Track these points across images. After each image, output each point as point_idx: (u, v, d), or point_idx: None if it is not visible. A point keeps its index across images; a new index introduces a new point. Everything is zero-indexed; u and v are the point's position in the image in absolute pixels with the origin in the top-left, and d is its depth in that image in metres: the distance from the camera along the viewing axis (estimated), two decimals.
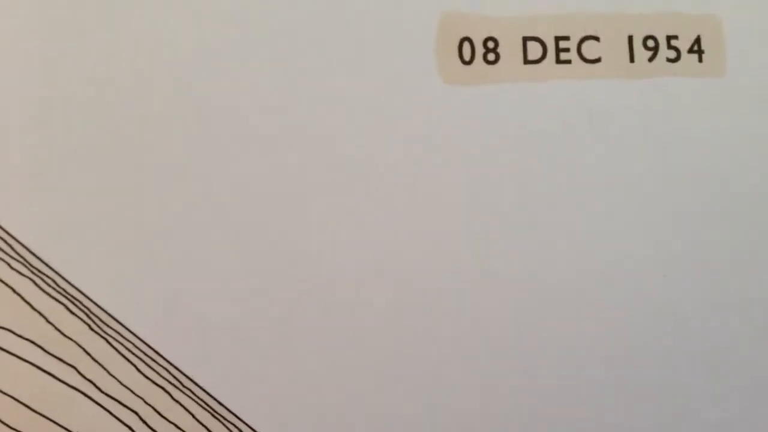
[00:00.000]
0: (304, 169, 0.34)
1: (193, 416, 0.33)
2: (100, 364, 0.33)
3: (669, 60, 0.36)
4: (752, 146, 0.35)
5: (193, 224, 0.34)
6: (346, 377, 0.33)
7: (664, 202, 0.35)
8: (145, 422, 0.33)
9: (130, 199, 0.34)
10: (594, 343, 0.34)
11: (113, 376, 0.33)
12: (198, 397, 0.33)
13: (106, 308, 0.33)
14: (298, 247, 0.34)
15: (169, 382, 0.33)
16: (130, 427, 0.33)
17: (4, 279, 0.33)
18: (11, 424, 0.32)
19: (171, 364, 0.33)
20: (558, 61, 0.35)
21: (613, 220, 0.35)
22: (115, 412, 0.33)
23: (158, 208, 0.34)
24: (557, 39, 0.35)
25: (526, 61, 0.35)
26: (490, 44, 0.35)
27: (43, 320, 0.33)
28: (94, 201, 0.34)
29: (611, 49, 0.35)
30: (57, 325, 0.33)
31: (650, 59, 0.35)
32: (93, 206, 0.34)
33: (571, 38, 0.35)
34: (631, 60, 0.35)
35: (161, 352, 0.33)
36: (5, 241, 0.33)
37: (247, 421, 0.33)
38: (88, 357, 0.33)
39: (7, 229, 0.33)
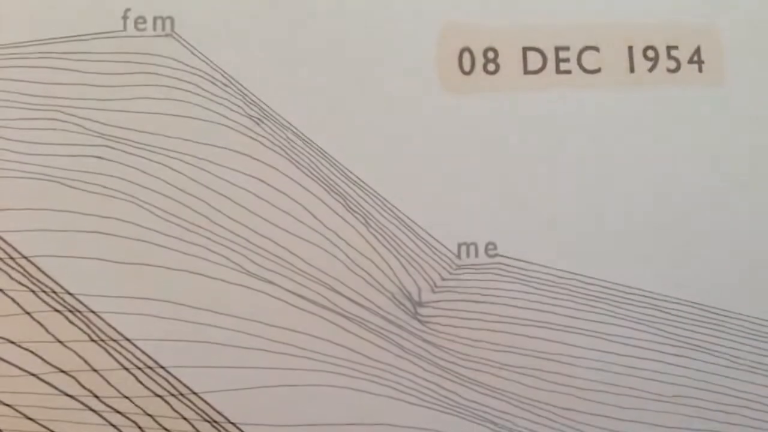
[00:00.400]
0: (304, 180, 0.34)
1: (193, 426, 0.33)
2: (100, 375, 0.33)
3: (669, 70, 0.36)
4: (752, 155, 0.35)
5: (193, 233, 0.34)
6: (347, 387, 0.33)
7: (664, 211, 0.35)
8: None
9: (130, 208, 0.34)
10: (592, 354, 0.34)
11: (113, 387, 0.33)
12: (198, 408, 0.33)
13: (106, 318, 0.33)
14: (298, 259, 0.34)
15: (169, 393, 0.33)
16: None
17: (4, 289, 0.33)
18: None
19: (171, 374, 0.33)
20: (558, 71, 0.35)
21: (612, 227, 0.35)
22: (114, 423, 0.33)
23: (158, 218, 0.34)
24: (557, 49, 0.35)
25: (526, 72, 0.35)
26: (490, 54, 0.35)
27: (43, 330, 0.33)
28: (95, 211, 0.34)
29: (611, 59, 0.35)
30: (57, 336, 0.33)
31: (650, 69, 0.35)
32: (93, 216, 0.34)
33: (571, 48, 0.35)
34: (631, 70, 0.35)
35: (161, 363, 0.33)
36: (5, 252, 0.33)
37: None
38: (88, 367, 0.33)
39: (7, 239, 0.33)
